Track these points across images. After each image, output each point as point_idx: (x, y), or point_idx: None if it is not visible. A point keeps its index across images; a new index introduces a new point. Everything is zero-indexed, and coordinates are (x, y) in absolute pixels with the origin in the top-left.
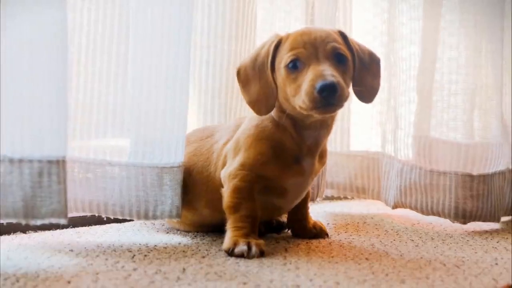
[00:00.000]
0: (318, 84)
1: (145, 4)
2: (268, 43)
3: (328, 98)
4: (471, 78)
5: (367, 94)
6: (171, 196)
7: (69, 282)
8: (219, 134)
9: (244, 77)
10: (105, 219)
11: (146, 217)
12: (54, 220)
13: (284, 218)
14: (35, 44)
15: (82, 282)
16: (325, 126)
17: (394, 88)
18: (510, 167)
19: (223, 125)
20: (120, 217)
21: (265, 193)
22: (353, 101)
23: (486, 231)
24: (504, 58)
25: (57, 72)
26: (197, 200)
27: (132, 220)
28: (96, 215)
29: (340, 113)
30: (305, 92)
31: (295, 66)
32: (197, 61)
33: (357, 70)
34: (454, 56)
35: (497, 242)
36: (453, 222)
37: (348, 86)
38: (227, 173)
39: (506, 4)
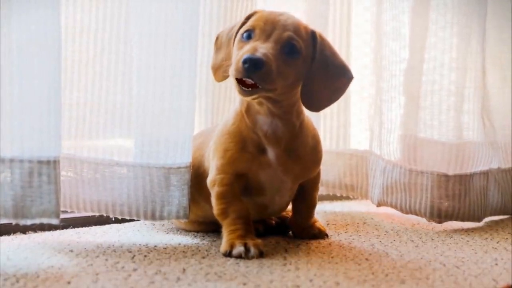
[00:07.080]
0: (245, 55)
1: (150, 2)
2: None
3: (249, 72)
4: (455, 78)
5: (311, 101)
6: (178, 197)
7: (69, 282)
8: (215, 132)
9: (219, 43)
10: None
11: (153, 217)
12: (45, 220)
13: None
14: (25, 43)
15: (82, 282)
16: (278, 116)
17: (381, 88)
18: (502, 167)
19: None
20: (128, 217)
21: (246, 193)
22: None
23: (486, 232)
24: (486, 58)
25: (49, 72)
26: (198, 193)
27: (133, 220)
28: (97, 215)
29: (334, 112)
30: (235, 60)
31: (248, 36)
32: None
33: (312, 73)
34: (439, 56)
35: (497, 243)
36: (429, 221)
37: (287, 79)
38: (209, 180)
39: (489, 5)
